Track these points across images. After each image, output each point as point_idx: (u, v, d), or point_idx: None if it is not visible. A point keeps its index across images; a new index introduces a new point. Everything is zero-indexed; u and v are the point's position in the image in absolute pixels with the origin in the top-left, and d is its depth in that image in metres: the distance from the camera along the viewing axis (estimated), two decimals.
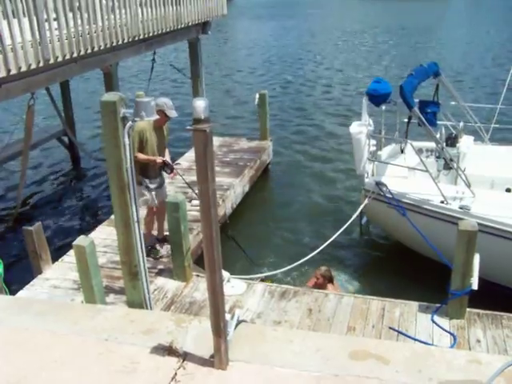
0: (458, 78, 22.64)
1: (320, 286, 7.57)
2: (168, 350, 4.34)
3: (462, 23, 46.24)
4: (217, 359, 4.10)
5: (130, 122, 4.59)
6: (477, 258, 6.17)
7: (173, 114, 7.16)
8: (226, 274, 7.46)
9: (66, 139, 13.82)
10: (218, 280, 3.96)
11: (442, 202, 7.91)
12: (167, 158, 7.65)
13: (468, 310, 6.47)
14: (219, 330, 4.03)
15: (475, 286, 6.19)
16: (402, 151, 9.01)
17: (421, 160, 8.31)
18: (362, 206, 8.73)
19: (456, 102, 9.64)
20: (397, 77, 21.03)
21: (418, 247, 8.24)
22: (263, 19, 56.56)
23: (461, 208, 7.72)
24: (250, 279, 7.69)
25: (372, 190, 8.57)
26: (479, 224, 7.14)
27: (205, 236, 3.78)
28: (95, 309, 5.31)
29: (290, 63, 29.31)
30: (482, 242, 6.72)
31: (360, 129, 8.55)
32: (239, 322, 4.54)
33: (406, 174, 8.85)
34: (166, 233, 7.94)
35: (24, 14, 6.37)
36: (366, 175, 8.81)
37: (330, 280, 7.72)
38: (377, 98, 8.51)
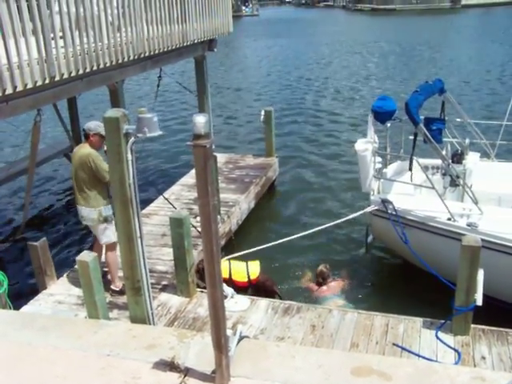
0: (464, 95, 22.64)
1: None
2: (170, 366, 4.35)
3: (469, 38, 46.31)
4: (218, 375, 4.10)
5: (133, 138, 4.63)
6: (481, 274, 6.15)
7: None
8: (229, 289, 7.47)
9: None
10: (219, 295, 3.98)
11: (449, 219, 7.81)
12: None
13: (473, 326, 6.43)
14: (220, 345, 4.04)
15: (480, 302, 6.17)
16: (410, 168, 8.82)
17: (427, 177, 8.25)
18: (360, 211, 8.76)
19: (461, 119, 9.62)
20: (402, 93, 21.10)
21: (422, 266, 8.15)
22: (269, 36, 56.99)
23: (468, 225, 7.61)
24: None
25: (378, 208, 8.54)
26: (487, 241, 7.13)
27: (205, 251, 3.81)
28: (98, 324, 5.32)
29: (296, 80, 29.47)
30: (491, 260, 6.71)
31: (365, 146, 8.50)
32: (241, 338, 4.54)
33: (411, 191, 8.80)
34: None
35: (32, 32, 6.45)
36: (371, 193, 8.77)
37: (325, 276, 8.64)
38: (382, 116, 8.48)
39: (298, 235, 8.47)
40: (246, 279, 8.06)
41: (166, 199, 9.07)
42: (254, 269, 8.17)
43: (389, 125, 8.88)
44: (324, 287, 8.59)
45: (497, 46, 40.06)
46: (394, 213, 8.19)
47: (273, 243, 8.38)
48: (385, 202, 8.35)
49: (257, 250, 8.42)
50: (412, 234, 8.07)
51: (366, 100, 22.05)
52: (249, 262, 8.24)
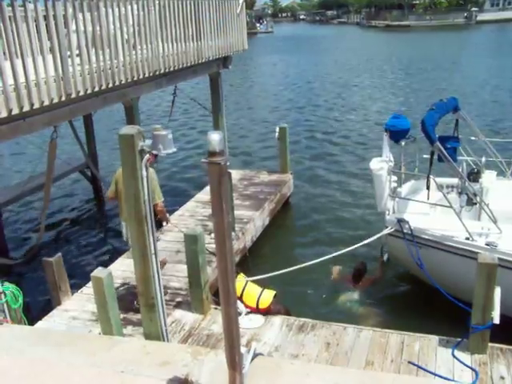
0: (478, 112, 22.50)
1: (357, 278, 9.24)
2: (183, 383, 4.32)
3: (483, 55, 46.17)
4: None
5: (148, 155, 4.66)
6: (498, 292, 6.07)
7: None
8: (243, 307, 7.44)
9: (88, 172, 14.02)
10: (234, 312, 3.96)
11: (467, 239, 7.64)
12: None
13: (490, 344, 6.34)
14: (234, 363, 4.01)
15: (497, 320, 6.09)
16: (428, 187, 8.57)
17: (444, 196, 8.13)
18: (377, 234, 8.64)
19: (476, 137, 9.53)
20: (416, 111, 21.07)
21: (439, 286, 7.97)
22: (284, 53, 57.30)
23: (487, 244, 7.44)
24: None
25: (394, 228, 8.37)
26: (508, 261, 7.02)
27: (220, 268, 3.80)
28: (112, 340, 5.32)
29: (311, 97, 29.54)
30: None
31: (381, 165, 8.37)
32: (255, 355, 4.51)
33: (427, 210, 8.64)
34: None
35: (49, 50, 6.54)
36: (387, 212, 8.63)
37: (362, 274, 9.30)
38: (396, 134, 8.39)
39: (314, 262, 8.23)
40: (254, 305, 7.89)
41: (173, 224, 9.07)
42: (266, 298, 7.89)
43: (403, 143, 8.80)
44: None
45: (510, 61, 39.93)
46: (409, 232, 8.09)
47: (289, 269, 8.21)
48: (400, 221, 8.22)
49: (273, 264, 8.36)
50: (429, 253, 7.95)
51: (381, 117, 21.99)
52: (264, 290, 8.04)
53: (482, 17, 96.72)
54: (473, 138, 9.64)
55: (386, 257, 9.44)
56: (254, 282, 8.13)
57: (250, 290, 7.95)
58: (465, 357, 6.26)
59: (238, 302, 7.01)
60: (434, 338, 6.65)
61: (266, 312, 7.84)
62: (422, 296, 8.57)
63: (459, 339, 6.45)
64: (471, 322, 6.17)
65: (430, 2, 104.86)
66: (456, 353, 6.31)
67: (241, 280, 7.99)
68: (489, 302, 6.02)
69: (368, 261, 9.72)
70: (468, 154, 9.34)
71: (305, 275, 9.37)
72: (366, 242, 8.60)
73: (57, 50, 6.49)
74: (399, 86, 31.58)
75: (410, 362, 6.24)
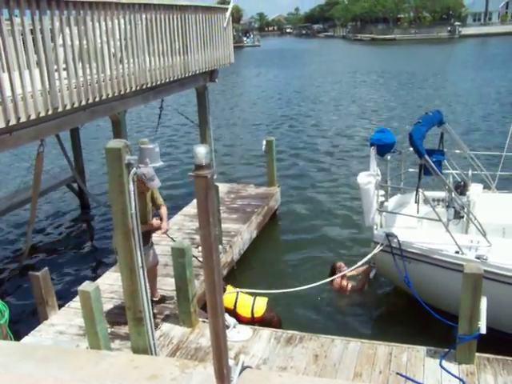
0: (464, 126, 22.72)
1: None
2: None
3: (467, 68, 46.69)
4: None
5: (135, 169, 4.67)
6: (484, 302, 6.11)
7: (152, 185, 6.84)
8: (231, 319, 7.43)
9: (75, 186, 13.98)
10: (221, 325, 3.96)
11: (457, 252, 7.61)
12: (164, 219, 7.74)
13: (477, 354, 6.37)
14: (222, 376, 4.00)
15: (483, 330, 6.14)
16: (416, 201, 8.63)
17: (433, 209, 8.10)
18: (370, 255, 8.54)
19: (460, 150, 9.59)
20: (404, 124, 21.22)
21: (428, 300, 7.74)
22: (269, 66, 57.60)
23: (477, 258, 7.40)
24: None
25: (381, 242, 8.29)
26: (500, 275, 7.05)
27: (207, 281, 3.81)
28: (99, 355, 5.28)
29: (297, 110, 29.67)
30: (505, 293, 6.71)
31: (368, 179, 8.34)
32: (244, 368, 4.49)
33: (414, 224, 8.64)
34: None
35: (36, 64, 6.54)
36: (375, 227, 8.59)
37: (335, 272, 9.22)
38: (381, 148, 8.40)
39: (304, 287, 8.10)
40: (249, 315, 7.91)
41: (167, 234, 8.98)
42: (260, 305, 8.00)
43: (389, 157, 8.83)
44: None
45: (493, 73, 40.38)
46: (398, 247, 8.06)
47: (279, 291, 8.23)
48: (389, 235, 8.18)
49: (261, 277, 8.29)
50: (418, 267, 7.94)
51: (367, 131, 22.13)
52: (256, 298, 8.10)
53: (465, 31, 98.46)
54: (457, 152, 9.70)
55: (373, 273, 9.32)
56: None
57: (243, 301, 8.00)
58: (452, 367, 6.29)
59: (226, 314, 6.99)
60: (422, 349, 6.67)
61: (261, 320, 7.88)
62: (410, 307, 8.58)
63: (447, 349, 6.48)
64: (458, 332, 6.21)
65: (415, 17, 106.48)
66: (444, 363, 6.34)
67: (232, 292, 8.01)
68: (475, 312, 6.06)
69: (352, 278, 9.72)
70: (453, 167, 9.39)
71: (291, 284, 9.39)
72: (358, 264, 8.56)
73: (44, 64, 6.48)
74: (385, 99, 31.83)
75: (398, 373, 6.25)
